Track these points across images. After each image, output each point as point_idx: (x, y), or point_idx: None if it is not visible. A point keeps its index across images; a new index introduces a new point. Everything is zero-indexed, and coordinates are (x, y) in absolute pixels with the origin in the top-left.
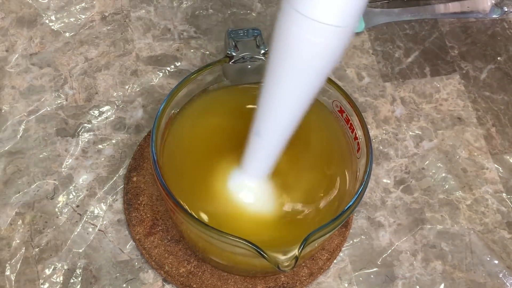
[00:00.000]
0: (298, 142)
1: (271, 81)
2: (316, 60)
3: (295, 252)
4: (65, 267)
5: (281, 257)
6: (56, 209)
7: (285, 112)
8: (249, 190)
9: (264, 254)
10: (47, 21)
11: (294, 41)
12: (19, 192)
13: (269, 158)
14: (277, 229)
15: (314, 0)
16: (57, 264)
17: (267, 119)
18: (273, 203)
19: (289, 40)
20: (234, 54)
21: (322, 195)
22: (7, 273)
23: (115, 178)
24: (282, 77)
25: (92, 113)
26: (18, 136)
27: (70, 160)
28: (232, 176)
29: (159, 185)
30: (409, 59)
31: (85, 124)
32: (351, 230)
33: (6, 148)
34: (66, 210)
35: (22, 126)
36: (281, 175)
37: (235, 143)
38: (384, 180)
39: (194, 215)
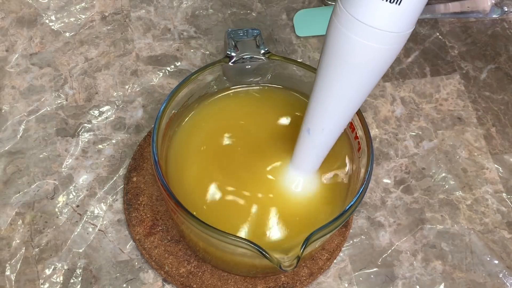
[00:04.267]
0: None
1: (325, 83)
2: (372, 64)
3: (297, 252)
4: (65, 267)
5: (283, 257)
6: (56, 209)
7: (336, 113)
8: (299, 184)
9: (266, 255)
10: (47, 21)
11: (350, 46)
12: (19, 192)
13: (318, 155)
14: (279, 229)
15: (369, 7)
16: (57, 264)
17: (319, 118)
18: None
19: (345, 45)
20: (234, 54)
21: (322, 195)
22: (7, 273)
23: (115, 178)
24: (336, 80)
25: (92, 113)
26: (18, 136)
27: (70, 160)
28: (283, 170)
29: (160, 185)
30: (409, 59)
31: (85, 124)
32: (351, 230)
33: (6, 148)
34: (66, 210)
35: (22, 126)
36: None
37: (237, 145)
38: (384, 180)
39: (195, 215)
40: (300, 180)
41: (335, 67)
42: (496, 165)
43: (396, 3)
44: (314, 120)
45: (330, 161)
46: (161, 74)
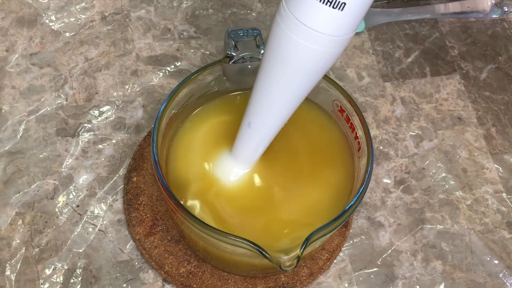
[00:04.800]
0: (298, 142)
1: (265, 80)
2: (312, 65)
3: (297, 252)
4: (65, 267)
5: (283, 257)
6: (56, 209)
7: (276, 109)
8: (236, 175)
9: (266, 255)
10: (47, 21)
11: (291, 46)
12: (19, 192)
13: (257, 148)
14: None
15: (312, 9)
16: (57, 264)
17: (259, 113)
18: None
19: (286, 45)
20: (234, 54)
21: (322, 194)
22: (7, 273)
23: (115, 178)
24: (276, 77)
25: (92, 113)
26: (18, 136)
27: (70, 160)
28: (222, 160)
29: (160, 185)
30: (409, 59)
31: (85, 124)
32: (351, 230)
33: (6, 148)
34: (66, 210)
35: (22, 126)
36: (282, 175)
37: (214, 166)
38: (384, 180)
39: (195, 215)
40: (237, 171)
41: (276, 65)
42: (496, 165)
43: (339, 8)
44: (255, 114)
45: (330, 161)
46: (161, 74)
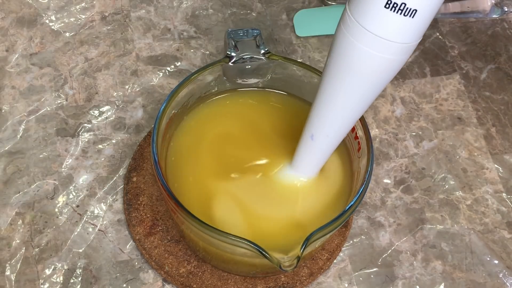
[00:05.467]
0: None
1: (330, 90)
2: (377, 74)
3: (297, 252)
4: (65, 267)
5: (283, 257)
6: (56, 209)
7: (340, 120)
8: (296, 186)
9: (266, 255)
10: (47, 21)
11: (359, 56)
12: (19, 192)
13: (320, 160)
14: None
15: (382, 18)
16: (57, 264)
17: (323, 125)
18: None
19: (353, 54)
20: (234, 54)
21: (322, 194)
22: (7, 273)
23: (115, 178)
24: (341, 88)
25: (92, 113)
26: (18, 136)
27: (70, 160)
28: (282, 171)
29: (160, 185)
30: (409, 59)
31: (85, 124)
32: (351, 230)
33: (6, 148)
34: (66, 210)
35: (22, 126)
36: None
37: (237, 145)
38: (384, 180)
39: (195, 215)
40: (301, 182)
41: (341, 75)
42: (496, 165)
43: (410, 16)
44: (317, 126)
45: (330, 161)
46: (161, 74)
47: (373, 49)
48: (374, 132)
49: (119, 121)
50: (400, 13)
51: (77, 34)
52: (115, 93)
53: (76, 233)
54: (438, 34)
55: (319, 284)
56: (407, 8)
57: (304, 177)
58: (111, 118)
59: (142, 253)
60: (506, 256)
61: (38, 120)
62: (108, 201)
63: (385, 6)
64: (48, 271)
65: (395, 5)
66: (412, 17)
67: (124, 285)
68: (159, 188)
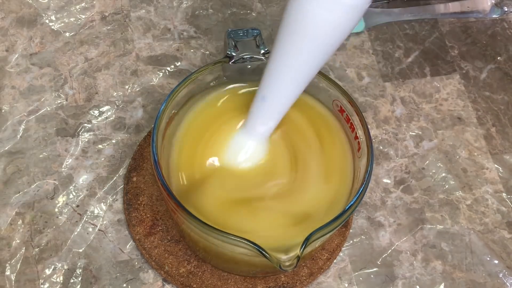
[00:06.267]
0: (299, 142)
1: (281, 51)
2: (325, 36)
3: (297, 251)
4: (65, 267)
5: (283, 257)
6: (56, 209)
7: (291, 81)
8: (249, 148)
9: (266, 254)
10: (47, 21)
11: (306, 15)
12: (19, 192)
13: (272, 121)
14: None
15: None
16: (57, 264)
17: (274, 86)
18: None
19: (302, 15)
20: (234, 54)
21: (322, 194)
22: (7, 273)
23: (115, 178)
24: (292, 48)
25: (92, 113)
26: (18, 136)
27: (70, 160)
28: (235, 138)
29: (160, 185)
30: (409, 59)
31: (85, 124)
32: (351, 230)
33: (6, 148)
34: (66, 210)
35: (22, 126)
36: (283, 175)
37: (225, 150)
38: (384, 180)
39: (195, 215)
40: (252, 144)
41: (293, 37)
42: (496, 165)
43: None
44: (269, 87)
45: (331, 161)
46: (161, 74)
47: (322, 8)
48: (374, 132)
49: (119, 121)
50: None
51: (77, 34)
52: (115, 93)
53: (76, 233)
54: (438, 34)
55: (319, 284)
56: None
57: (257, 138)
58: (111, 118)
59: (142, 253)
60: (506, 256)
61: (38, 120)
62: (108, 201)
63: None
64: (48, 271)
65: None
66: None
67: (124, 285)
68: (159, 188)
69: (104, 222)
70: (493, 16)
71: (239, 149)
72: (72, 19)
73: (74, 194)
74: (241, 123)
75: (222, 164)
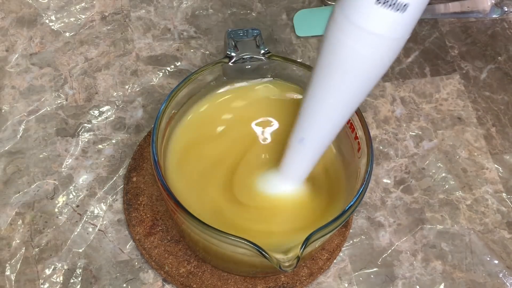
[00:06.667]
0: None
1: (318, 91)
2: (368, 71)
3: (297, 252)
4: (65, 267)
5: (283, 257)
6: (56, 209)
7: (331, 121)
8: (285, 192)
9: (266, 255)
10: (47, 21)
11: (347, 52)
12: (19, 192)
13: (310, 163)
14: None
15: (373, 14)
16: (57, 264)
17: (312, 127)
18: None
19: (341, 51)
20: (234, 54)
21: (323, 194)
22: (7, 273)
23: (115, 178)
24: (331, 87)
25: (92, 113)
26: (18, 136)
27: (70, 160)
28: (268, 177)
29: (160, 185)
30: (409, 59)
31: (85, 124)
32: (351, 230)
33: (6, 148)
34: (66, 210)
35: (22, 126)
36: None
37: (236, 145)
38: (384, 180)
39: (195, 215)
40: (290, 189)
41: (332, 75)
42: (496, 165)
43: (401, 11)
44: (308, 129)
45: (330, 161)
46: (161, 74)
47: (365, 45)
48: (374, 132)
49: (119, 121)
50: (391, 8)
51: (77, 34)
52: (115, 93)
53: (76, 233)
54: (438, 34)
55: (319, 284)
56: (399, 3)
57: (294, 182)
58: (111, 118)
59: (142, 253)
60: (506, 256)
61: (38, 120)
62: (108, 201)
63: (375, 3)
64: (48, 271)
65: (386, 1)
66: (403, 12)
67: (124, 285)
68: (159, 188)
69: (104, 222)
70: (493, 16)
71: (269, 189)
72: (72, 19)
73: (74, 194)
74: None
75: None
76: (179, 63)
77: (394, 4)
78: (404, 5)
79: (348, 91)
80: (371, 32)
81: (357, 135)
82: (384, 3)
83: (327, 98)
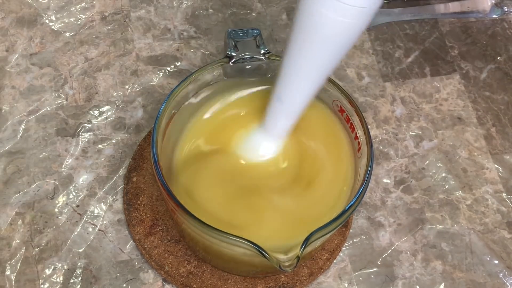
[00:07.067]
0: (299, 142)
1: (294, 53)
2: (338, 38)
3: (297, 252)
4: (65, 267)
5: (283, 257)
6: (56, 209)
7: (305, 81)
8: (265, 146)
9: (266, 255)
10: (47, 21)
11: (319, 19)
12: (19, 192)
13: (288, 120)
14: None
15: None
16: (57, 264)
17: (289, 87)
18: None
19: (314, 18)
20: (234, 54)
21: (323, 195)
22: (7, 273)
23: (115, 178)
24: (304, 50)
25: (92, 113)
26: (18, 136)
27: (70, 160)
28: (252, 134)
29: (160, 185)
30: (409, 59)
31: (85, 124)
32: (351, 230)
33: (6, 148)
34: (66, 210)
35: (22, 126)
36: (283, 174)
37: (237, 145)
38: (384, 180)
39: (195, 215)
40: (268, 142)
41: (305, 40)
42: (496, 165)
43: None
44: (284, 89)
45: (330, 161)
46: (161, 74)
47: (332, 12)
48: (374, 132)
49: (119, 121)
50: None
51: (77, 34)
52: (115, 93)
53: (76, 233)
54: (438, 34)
55: (319, 284)
56: None
57: (275, 138)
58: (111, 118)
59: (142, 253)
60: (506, 256)
61: (38, 120)
62: (108, 201)
63: None
64: (48, 271)
65: None
66: None
67: (124, 285)
68: (159, 188)
69: (104, 222)
70: (493, 16)
71: (253, 146)
72: (72, 19)
73: (74, 194)
74: (247, 122)
75: (226, 160)
76: (179, 63)
77: None
78: None
79: (320, 56)
80: (340, 0)
81: (357, 135)
82: None
83: (300, 60)
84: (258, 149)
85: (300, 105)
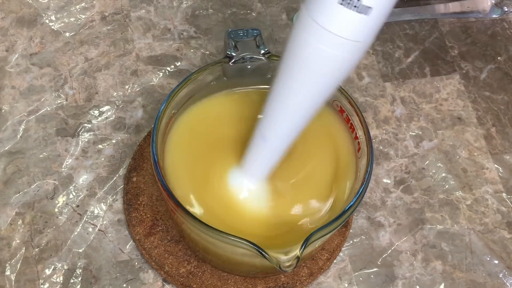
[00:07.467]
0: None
1: (282, 88)
2: (330, 72)
3: (297, 252)
4: (65, 267)
5: (283, 257)
6: (56, 209)
7: (293, 119)
8: (249, 190)
9: (266, 254)
10: (47, 21)
11: (310, 52)
12: (19, 192)
13: (271, 161)
14: (279, 229)
15: (335, 15)
16: (57, 264)
17: (274, 124)
18: (273, 204)
19: (305, 50)
20: (234, 54)
21: (323, 194)
22: (7, 273)
23: (115, 178)
24: (293, 85)
25: (92, 113)
26: (18, 136)
27: (70, 160)
28: (232, 175)
29: (160, 185)
30: (409, 59)
31: (85, 124)
32: (351, 230)
33: (6, 148)
34: (66, 210)
35: (22, 126)
36: (282, 175)
37: (237, 146)
38: (384, 180)
39: (195, 215)
40: (249, 186)
41: (297, 74)
42: (496, 165)
43: (365, 13)
44: (270, 126)
45: (330, 161)
46: (161, 74)
47: (328, 46)
48: (374, 132)
49: (119, 121)
50: (355, 10)
51: (77, 34)
52: (115, 93)
53: (76, 233)
54: (438, 34)
55: (319, 284)
56: (362, 5)
57: (254, 179)
58: (111, 118)
59: (142, 253)
60: (506, 256)
61: (38, 120)
62: (108, 201)
63: (339, 3)
64: (48, 271)
65: (350, 1)
66: (367, 14)
67: (124, 285)
68: (159, 188)
69: (104, 222)
70: (493, 16)
71: (238, 191)
72: (72, 19)
73: (74, 194)
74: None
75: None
76: (179, 63)
77: (357, 6)
78: (368, 8)
79: (310, 91)
80: (333, 32)
81: (357, 135)
82: (347, 3)
83: (289, 96)
84: (239, 188)
85: (286, 144)
